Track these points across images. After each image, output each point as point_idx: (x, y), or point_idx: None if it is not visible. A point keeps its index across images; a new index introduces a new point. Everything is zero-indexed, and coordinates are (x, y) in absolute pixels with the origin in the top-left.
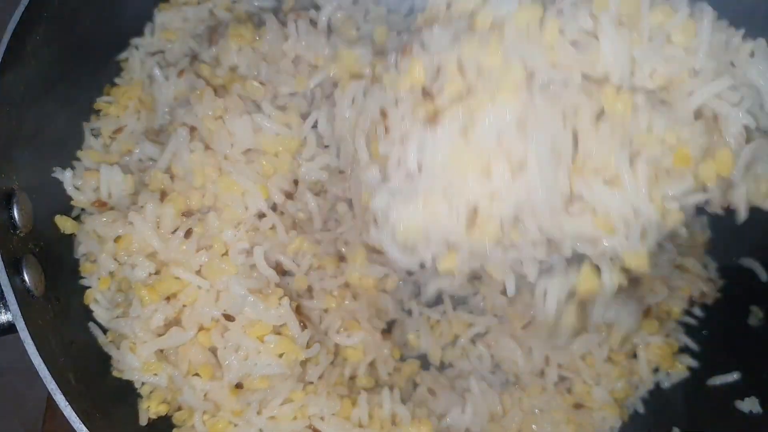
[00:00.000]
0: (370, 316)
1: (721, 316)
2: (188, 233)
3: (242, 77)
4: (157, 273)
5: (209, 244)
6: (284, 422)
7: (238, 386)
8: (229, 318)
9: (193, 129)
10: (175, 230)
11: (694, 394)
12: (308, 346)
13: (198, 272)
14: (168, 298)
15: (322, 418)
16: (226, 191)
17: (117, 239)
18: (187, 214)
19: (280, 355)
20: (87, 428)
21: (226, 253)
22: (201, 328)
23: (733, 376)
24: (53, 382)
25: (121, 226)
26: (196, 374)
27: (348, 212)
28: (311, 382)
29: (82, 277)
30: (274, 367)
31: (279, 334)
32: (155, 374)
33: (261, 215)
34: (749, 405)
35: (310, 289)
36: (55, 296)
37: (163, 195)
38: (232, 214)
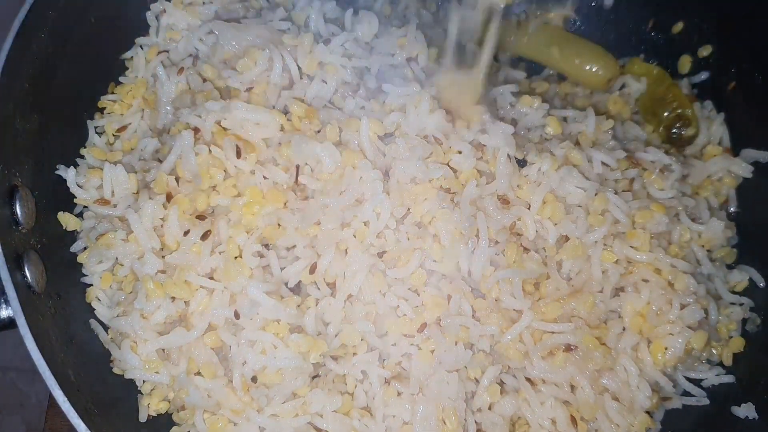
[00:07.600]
0: None
1: None
2: (205, 236)
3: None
4: (163, 272)
5: (222, 247)
6: (286, 419)
7: (253, 380)
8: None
9: (197, 131)
10: (187, 232)
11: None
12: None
13: (210, 275)
14: (173, 298)
15: (321, 416)
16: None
17: (115, 239)
18: (201, 217)
19: (301, 352)
20: (86, 425)
21: (239, 256)
22: (210, 328)
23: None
24: (52, 378)
25: (120, 225)
26: (198, 373)
27: None
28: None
29: (83, 275)
30: (291, 360)
31: (299, 332)
32: (156, 372)
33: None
34: (745, 411)
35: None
36: (56, 292)
37: (168, 197)
38: (243, 216)
